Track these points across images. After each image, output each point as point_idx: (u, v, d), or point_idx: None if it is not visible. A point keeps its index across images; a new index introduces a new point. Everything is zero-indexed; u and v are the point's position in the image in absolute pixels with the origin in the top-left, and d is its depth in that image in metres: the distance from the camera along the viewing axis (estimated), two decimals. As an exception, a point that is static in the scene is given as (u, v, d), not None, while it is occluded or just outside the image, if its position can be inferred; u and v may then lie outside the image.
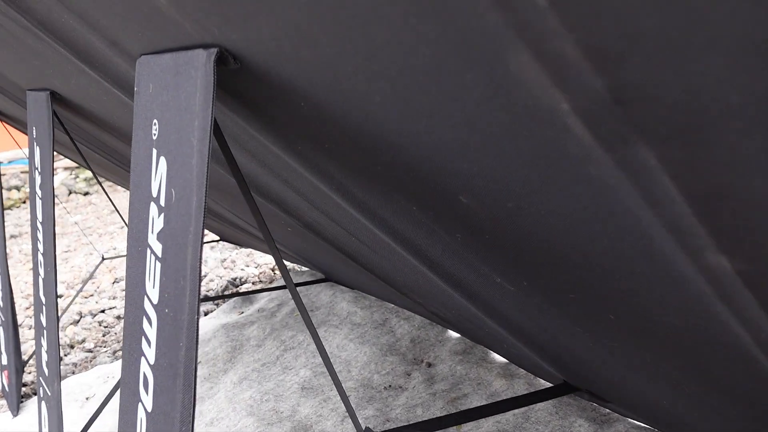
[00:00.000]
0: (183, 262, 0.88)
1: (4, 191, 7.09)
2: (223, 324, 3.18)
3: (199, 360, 2.90)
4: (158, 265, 0.96)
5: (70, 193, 7.92)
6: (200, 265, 0.85)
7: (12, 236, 5.94)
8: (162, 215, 0.95)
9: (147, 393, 0.98)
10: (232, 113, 1.01)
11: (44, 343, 2.03)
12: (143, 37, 0.91)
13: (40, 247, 2.00)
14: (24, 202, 7.59)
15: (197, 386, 2.69)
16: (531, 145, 0.57)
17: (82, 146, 2.26)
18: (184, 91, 0.89)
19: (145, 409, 0.98)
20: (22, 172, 8.16)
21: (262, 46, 0.70)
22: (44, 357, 2.04)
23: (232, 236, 3.62)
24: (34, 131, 1.96)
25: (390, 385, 2.47)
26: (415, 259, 1.27)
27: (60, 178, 8.01)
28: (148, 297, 0.99)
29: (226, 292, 3.87)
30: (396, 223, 1.12)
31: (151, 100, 0.99)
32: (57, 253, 5.27)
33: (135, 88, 1.04)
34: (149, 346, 0.98)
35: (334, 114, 0.77)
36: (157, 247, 0.96)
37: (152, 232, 0.98)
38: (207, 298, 3.04)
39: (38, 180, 2.00)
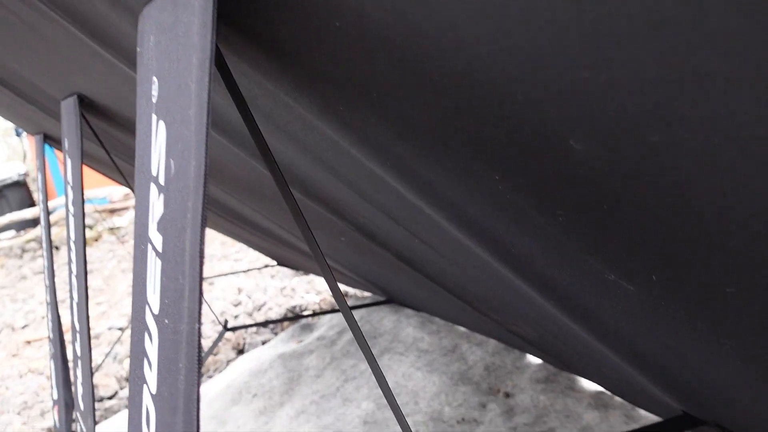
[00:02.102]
0: (181, 251, 0.64)
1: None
2: (280, 354, 2.96)
3: (254, 392, 2.68)
4: (158, 263, 0.73)
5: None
6: (201, 255, 0.61)
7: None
8: (161, 196, 0.72)
9: (149, 430, 0.75)
10: (247, 65, 0.79)
11: (79, 374, 1.84)
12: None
13: (73, 268, 1.83)
14: (96, 240, 7.66)
15: (252, 421, 2.46)
16: None
17: (119, 159, 2.09)
18: (182, 24, 0.66)
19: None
20: (95, 212, 8.27)
21: None
22: (80, 390, 1.85)
23: (287, 259, 3.42)
24: (66, 143, 1.81)
25: (463, 419, 2.17)
26: (495, 259, 1.00)
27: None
28: (149, 306, 0.76)
29: (284, 321, 3.66)
30: (471, 207, 0.86)
31: (151, 55, 0.78)
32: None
33: (138, 49, 0.83)
34: (150, 369, 0.74)
35: (389, 32, 0.53)
36: (158, 240, 0.73)
37: (153, 221, 0.75)
38: (262, 323, 2.83)
39: (71, 195, 1.84)
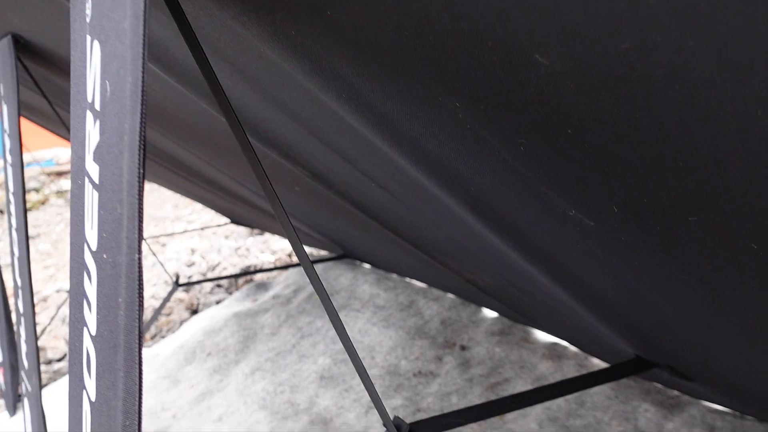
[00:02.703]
0: (118, 178, 0.59)
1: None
2: (235, 312, 2.91)
3: (209, 351, 2.64)
4: (95, 195, 0.67)
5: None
6: (141, 181, 0.56)
7: (30, 237, 5.74)
8: (97, 123, 0.67)
9: (90, 376, 0.70)
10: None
11: (23, 332, 1.77)
12: None
13: (13, 221, 1.74)
14: (43, 203, 7.40)
15: (207, 379, 2.42)
16: None
17: (62, 111, 1.99)
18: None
19: (89, 398, 0.70)
20: (41, 174, 7.97)
21: None
22: (24, 348, 1.78)
23: (241, 216, 3.35)
24: (1, 88, 1.70)
25: (420, 372, 2.18)
26: (454, 200, 0.98)
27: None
28: (87, 244, 0.71)
29: (239, 280, 3.61)
30: (430, 142, 0.82)
31: (84, -29, 0.71)
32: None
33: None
34: (90, 310, 0.70)
35: None
36: (94, 171, 0.68)
37: (89, 152, 0.70)
38: (214, 278, 2.78)
39: (8, 144, 1.74)
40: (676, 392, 1.82)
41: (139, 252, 0.57)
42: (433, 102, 0.71)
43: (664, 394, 1.81)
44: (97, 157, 0.67)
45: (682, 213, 0.66)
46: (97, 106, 0.67)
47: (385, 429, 0.99)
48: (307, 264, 0.91)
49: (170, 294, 2.46)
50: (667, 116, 0.52)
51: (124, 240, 0.58)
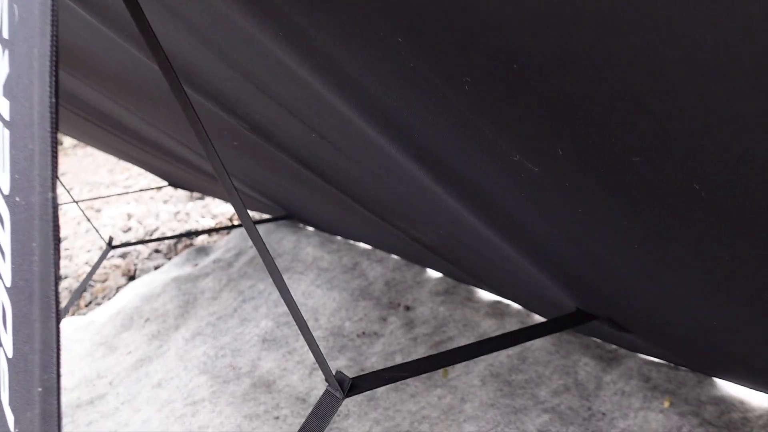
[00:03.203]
0: (29, 111, 0.54)
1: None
2: (174, 277, 2.84)
3: (147, 317, 2.56)
4: (6, 134, 0.62)
5: None
6: (53, 112, 0.51)
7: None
8: (6, 53, 0.61)
9: (6, 330, 0.65)
10: None
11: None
12: None
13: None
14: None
15: (145, 345, 2.36)
16: None
17: None
18: None
19: (5, 355, 0.65)
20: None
21: None
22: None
23: (180, 179, 3.25)
24: None
25: (364, 332, 2.17)
26: (397, 149, 0.95)
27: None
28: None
29: (178, 245, 3.51)
30: (373, 85, 0.79)
31: None
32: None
33: None
34: (3, 260, 0.64)
35: None
36: (4, 107, 0.62)
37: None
38: (151, 239, 2.69)
39: None
40: (614, 346, 1.86)
41: (53, 191, 0.52)
42: (374, 38, 0.67)
43: (602, 348, 1.86)
44: (7, 92, 0.61)
45: (626, 153, 0.65)
46: (5, 34, 0.61)
47: (327, 385, 0.97)
48: (247, 222, 0.87)
49: (103, 255, 2.36)
50: (614, 53, 0.50)
51: (36, 178, 0.53)
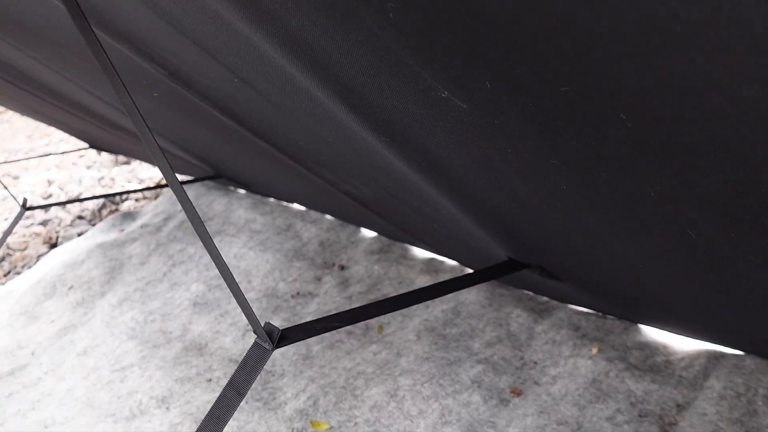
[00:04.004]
0: None
1: None
2: (99, 243, 2.72)
3: (70, 285, 2.46)
4: None
5: None
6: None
7: None
8: None
9: None
10: None
11: None
12: None
13: None
14: None
15: (69, 313, 2.26)
16: None
17: None
18: None
19: None
20: None
21: None
22: None
23: (101, 140, 3.10)
24: None
25: (298, 293, 2.14)
26: (323, 91, 0.91)
27: None
28: None
29: (103, 211, 3.37)
30: (293, 18, 0.74)
31: None
32: None
33: None
34: None
35: None
36: None
37: None
38: (69, 201, 2.56)
39: None
40: (545, 298, 1.90)
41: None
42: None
43: (534, 301, 1.89)
44: None
45: (554, 82, 0.63)
46: None
47: (256, 337, 0.94)
48: (171, 177, 0.83)
49: (17, 218, 2.23)
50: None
51: None
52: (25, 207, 2.19)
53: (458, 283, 1.18)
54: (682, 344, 1.61)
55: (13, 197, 2.27)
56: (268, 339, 0.90)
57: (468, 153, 0.92)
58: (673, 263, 1.04)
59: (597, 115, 0.67)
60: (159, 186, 2.83)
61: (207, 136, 1.70)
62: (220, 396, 0.90)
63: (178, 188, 0.83)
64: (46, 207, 2.35)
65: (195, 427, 1.50)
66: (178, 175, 3.14)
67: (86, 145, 3.58)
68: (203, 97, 1.25)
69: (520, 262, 1.34)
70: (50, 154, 3.07)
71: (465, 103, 0.77)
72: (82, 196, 3.63)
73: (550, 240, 1.17)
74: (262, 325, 0.92)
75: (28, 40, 1.43)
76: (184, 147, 2.12)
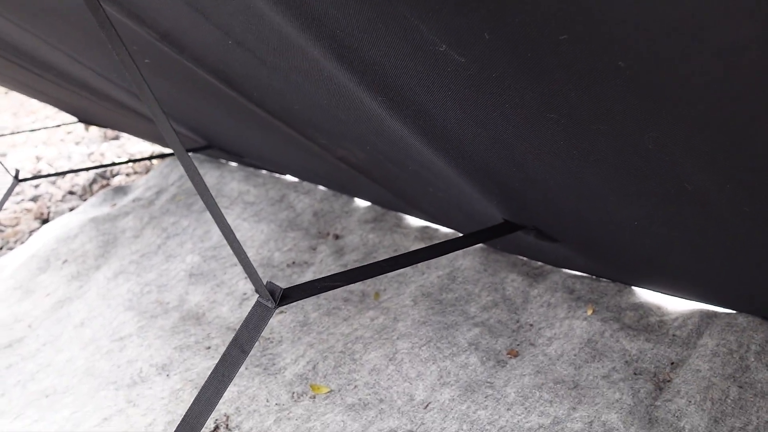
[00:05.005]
0: None
1: None
2: (92, 218, 2.71)
3: (65, 258, 2.45)
4: None
5: None
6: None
7: None
8: None
9: None
10: None
11: None
12: None
13: None
14: None
15: (64, 287, 2.26)
16: None
17: None
18: None
19: None
20: None
21: None
22: None
23: (91, 114, 3.07)
24: None
25: (294, 262, 2.14)
26: (318, 49, 0.90)
27: None
28: None
29: (94, 186, 3.35)
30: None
31: None
32: None
33: None
34: None
35: None
36: None
37: None
38: (62, 172, 2.54)
39: None
40: (540, 263, 1.92)
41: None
42: None
43: (529, 266, 1.91)
44: None
45: (553, 30, 0.63)
46: None
47: (258, 296, 0.95)
48: (179, 148, 0.82)
49: (10, 189, 2.22)
50: None
51: None
52: (17, 179, 2.18)
53: (456, 244, 1.19)
54: (675, 305, 1.63)
55: (6, 168, 2.25)
56: (271, 297, 0.91)
57: (465, 110, 0.92)
58: (670, 220, 1.05)
59: (596, 64, 0.67)
60: (155, 157, 2.82)
61: (200, 104, 1.69)
62: (224, 354, 0.91)
63: (185, 158, 0.83)
64: (39, 178, 2.33)
65: (196, 392, 1.52)
66: (167, 150, 3.11)
67: (74, 120, 3.55)
68: (196, 62, 1.25)
69: (515, 224, 1.35)
70: (39, 129, 3.04)
71: (463, 57, 0.77)
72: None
73: (547, 200, 1.17)
74: (264, 284, 0.93)
75: (23, 11, 1.41)
76: (176, 117, 2.10)
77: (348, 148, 1.42)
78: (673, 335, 1.52)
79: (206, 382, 0.90)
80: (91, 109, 2.77)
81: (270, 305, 0.91)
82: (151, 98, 0.81)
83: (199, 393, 0.90)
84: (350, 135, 1.31)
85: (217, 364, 0.91)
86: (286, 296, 0.94)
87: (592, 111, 0.77)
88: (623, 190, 0.99)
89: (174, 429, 1.43)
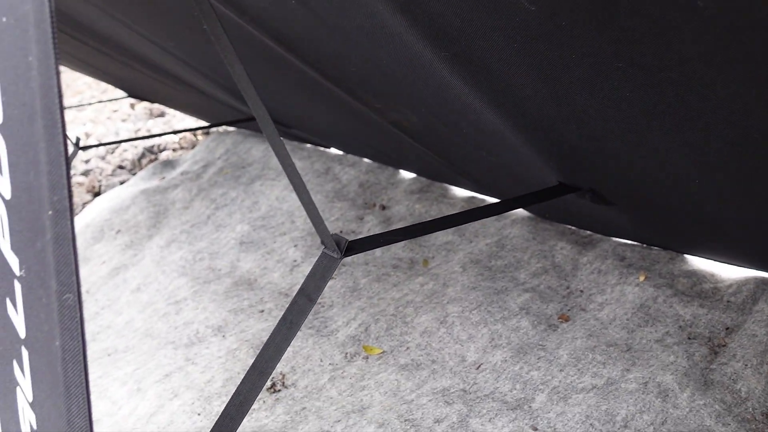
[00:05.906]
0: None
1: None
2: (143, 190, 2.78)
3: (118, 229, 2.53)
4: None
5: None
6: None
7: None
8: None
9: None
10: None
11: None
12: None
13: None
14: None
15: (119, 255, 2.33)
16: None
17: None
18: None
19: (2, 199, 0.63)
20: None
21: None
22: None
23: (139, 87, 3.14)
24: None
25: (341, 231, 2.18)
26: (385, 5, 0.92)
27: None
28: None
29: (143, 161, 3.43)
30: None
31: None
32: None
33: None
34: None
35: None
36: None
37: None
38: (121, 140, 2.63)
39: None
40: (588, 232, 1.91)
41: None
42: None
43: (577, 234, 1.90)
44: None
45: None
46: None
47: (324, 247, 0.98)
48: (268, 125, 0.85)
49: (72, 156, 2.29)
50: None
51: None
52: (78, 146, 2.24)
53: (513, 203, 1.20)
54: (729, 272, 1.61)
55: (68, 138, 2.32)
56: (337, 248, 0.93)
57: (529, 65, 0.92)
58: (734, 177, 1.04)
59: (670, 5, 0.67)
60: (206, 127, 2.88)
61: (253, 69, 1.71)
62: (292, 303, 0.94)
63: (272, 130, 0.85)
64: (100, 146, 2.40)
65: (253, 352, 1.56)
66: (212, 125, 3.15)
67: (123, 95, 3.63)
68: (255, 24, 1.27)
69: (570, 186, 1.35)
70: (89, 104, 3.12)
71: (533, 5, 0.77)
72: (120, 147, 3.69)
73: (605, 158, 1.17)
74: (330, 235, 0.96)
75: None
76: (224, 84, 2.13)
77: (402, 111, 1.43)
78: (728, 301, 1.51)
79: (274, 330, 0.94)
80: (141, 82, 2.83)
81: (336, 255, 0.94)
82: (241, 72, 0.83)
83: (268, 340, 0.93)
84: (405, 96, 1.32)
85: (285, 312, 0.94)
86: (351, 248, 0.96)
87: (663, 58, 0.77)
88: (688, 146, 0.99)
89: (232, 385, 1.48)
